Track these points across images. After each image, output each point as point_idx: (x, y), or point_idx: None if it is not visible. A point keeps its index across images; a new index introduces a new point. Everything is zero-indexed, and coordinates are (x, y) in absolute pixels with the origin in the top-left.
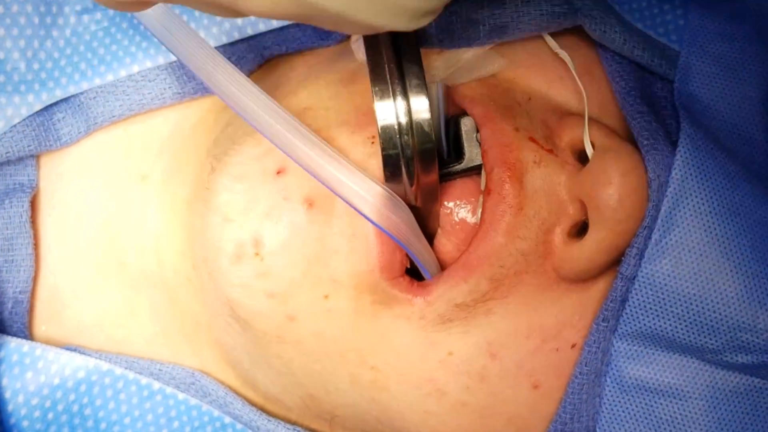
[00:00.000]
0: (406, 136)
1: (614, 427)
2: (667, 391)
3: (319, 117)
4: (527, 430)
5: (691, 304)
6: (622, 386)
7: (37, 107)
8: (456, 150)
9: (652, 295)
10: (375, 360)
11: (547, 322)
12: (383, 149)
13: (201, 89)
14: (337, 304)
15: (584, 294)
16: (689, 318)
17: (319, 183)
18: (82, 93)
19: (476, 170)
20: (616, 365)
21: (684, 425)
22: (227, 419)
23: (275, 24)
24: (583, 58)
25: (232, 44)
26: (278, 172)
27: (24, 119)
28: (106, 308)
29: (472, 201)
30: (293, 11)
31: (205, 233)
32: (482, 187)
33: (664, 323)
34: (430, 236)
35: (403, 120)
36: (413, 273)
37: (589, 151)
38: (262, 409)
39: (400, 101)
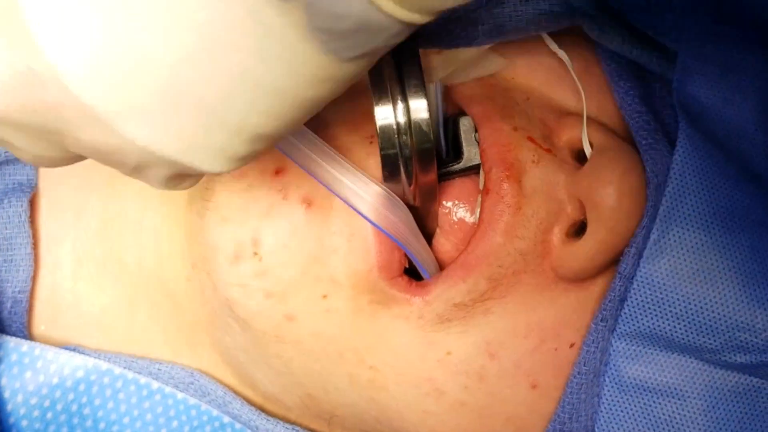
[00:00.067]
0: (404, 136)
1: (613, 427)
2: (665, 391)
3: (317, 116)
4: (526, 430)
5: (690, 303)
6: (621, 386)
7: None
8: (454, 149)
9: (651, 294)
10: (373, 360)
11: (545, 321)
12: (382, 149)
13: None
14: (336, 303)
15: (583, 294)
16: (688, 317)
17: (317, 183)
18: None
19: (475, 170)
20: (614, 365)
21: (682, 425)
22: (226, 419)
23: None
24: (582, 57)
25: None
26: (277, 172)
27: None
28: (105, 308)
29: (470, 200)
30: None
31: (203, 232)
32: (481, 187)
33: (663, 323)
34: (428, 236)
35: (402, 120)
36: (412, 273)
37: (588, 150)
38: (261, 409)
39: (399, 101)
